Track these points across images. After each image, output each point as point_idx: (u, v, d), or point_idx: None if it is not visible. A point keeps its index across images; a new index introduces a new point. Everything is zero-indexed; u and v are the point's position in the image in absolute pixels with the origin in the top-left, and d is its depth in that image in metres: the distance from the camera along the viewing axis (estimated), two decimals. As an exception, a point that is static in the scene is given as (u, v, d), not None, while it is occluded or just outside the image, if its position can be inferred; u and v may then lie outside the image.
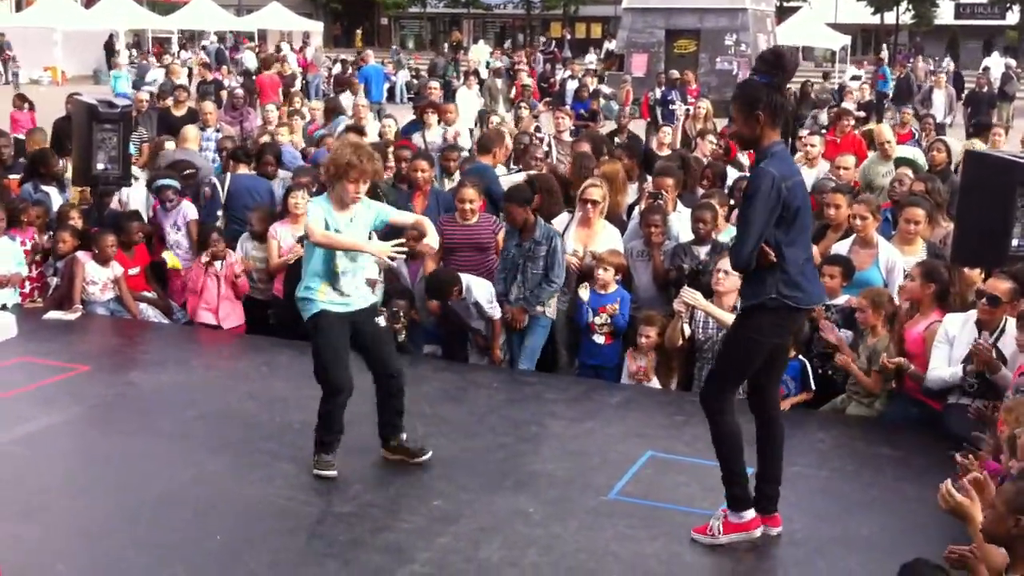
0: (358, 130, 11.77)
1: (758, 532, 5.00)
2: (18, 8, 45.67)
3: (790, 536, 5.14)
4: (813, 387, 6.98)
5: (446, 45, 50.68)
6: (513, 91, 22.91)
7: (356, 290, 5.77)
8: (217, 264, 8.57)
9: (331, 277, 5.65)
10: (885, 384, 6.77)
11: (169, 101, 14.74)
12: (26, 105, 16.72)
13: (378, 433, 5.98)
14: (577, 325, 7.78)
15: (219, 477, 5.78)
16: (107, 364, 7.73)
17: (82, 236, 8.98)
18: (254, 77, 27.88)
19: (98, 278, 8.66)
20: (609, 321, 7.53)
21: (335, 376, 5.65)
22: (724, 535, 4.98)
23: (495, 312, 7.64)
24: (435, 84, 18.84)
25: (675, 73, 21.68)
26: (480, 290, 7.59)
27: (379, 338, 5.95)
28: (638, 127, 20.71)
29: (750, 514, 4.98)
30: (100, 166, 9.09)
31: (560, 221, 8.21)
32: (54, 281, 8.97)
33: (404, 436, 5.97)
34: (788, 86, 4.96)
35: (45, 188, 9.91)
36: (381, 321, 5.94)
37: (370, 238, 5.87)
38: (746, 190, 4.79)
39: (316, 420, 5.78)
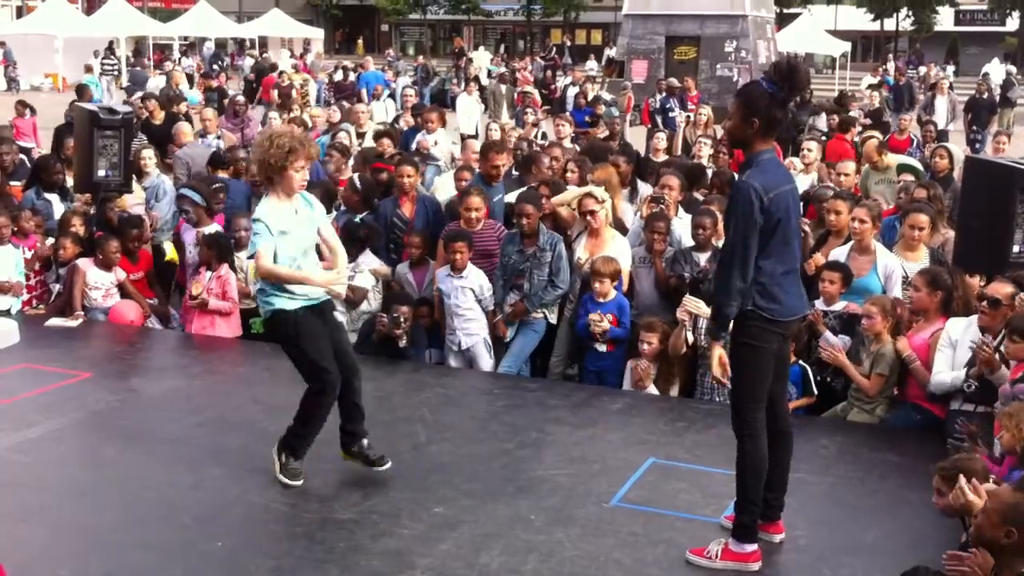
0: (390, 135, 11.73)
1: (756, 567, 4.86)
2: (19, 15, 45.72)
3: (793, 543, 5.13)
4: (815, 391, 6.98)
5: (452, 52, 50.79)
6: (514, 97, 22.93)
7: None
8: (206, 276, 8.44)
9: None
10: (886, 389, 6.77)
11: (153, 106, 14.62)
12: (27, 111, 16.76)
13: (342, 443, 5.81)
14: (579, 332, 7.80)
15: (221, 483, 5.78)
16: (109, 370, 7.73)
17: (84, 243, 8.99)
18: (255, 84, 27.94)
19: (100, 283, 8.67)
20: (602, 332, 7.54)
21: (330, 370, 5.50)
22: (721, 560, 4.86)
23: (488, 304, 7.81)
24: (411, 91, 18.84)
25: (674, 81, 21.68)
26: (480, 278, 7.82)
27: (339, 332, 5.82)
28: (639, 133, 20.78)
29: (752, 547, 4.87)
30: (101, 173, 9.11)
31: (575, 230, 8.26)
32: (56, 288, 8.98)
33: (365, 442, 5.80)
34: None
35: (47, 196, 9.95)
36: (339, 316, 5.87)
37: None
38: (728, 204, 4.77)
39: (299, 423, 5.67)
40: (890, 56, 45.84)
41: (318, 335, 5.55)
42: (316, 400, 5.58)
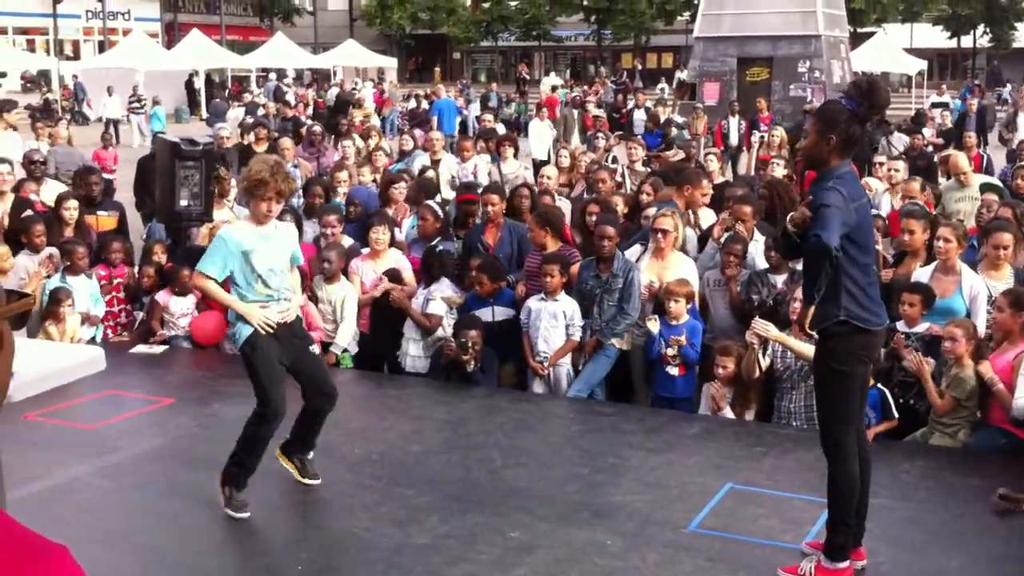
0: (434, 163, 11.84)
1: None
2: (101, 49, 47.05)
3: (876, 569, 5.03)
4: (896, 414, 6.85)
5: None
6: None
7: (282, 309, 5.71)
8: None
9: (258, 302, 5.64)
10: (964, 413, 6.61)
11: (251, 138, 15.00)
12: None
13: (283, 445, 5.88)
14: (649, 357, 7.74)
15: (299, 507, 5.84)
16: (191, 396, 7.87)
17: (163, 272, 9.21)
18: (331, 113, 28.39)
19: (182, 309, 8.85)
20: (678, 352, 7.48)
21: (276, 398, 5.57)
22: None
23: (575, 333, 7.69)
24: (489, 117, 19.05)
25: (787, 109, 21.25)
26: (572, 305, 7.72)
27: (310, 354, 5.88)
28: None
29: (845, 564, 4.84)
30: (183, 203, 9.31)
31: (633, 252, 8.21)
32: (140, 316, 9.20)
33: (311, 456, 5.90)
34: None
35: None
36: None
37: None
38: (815, 203, 4.59)
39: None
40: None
41: (271, 360, 5.61)
42: (256, 422, 5.61)
